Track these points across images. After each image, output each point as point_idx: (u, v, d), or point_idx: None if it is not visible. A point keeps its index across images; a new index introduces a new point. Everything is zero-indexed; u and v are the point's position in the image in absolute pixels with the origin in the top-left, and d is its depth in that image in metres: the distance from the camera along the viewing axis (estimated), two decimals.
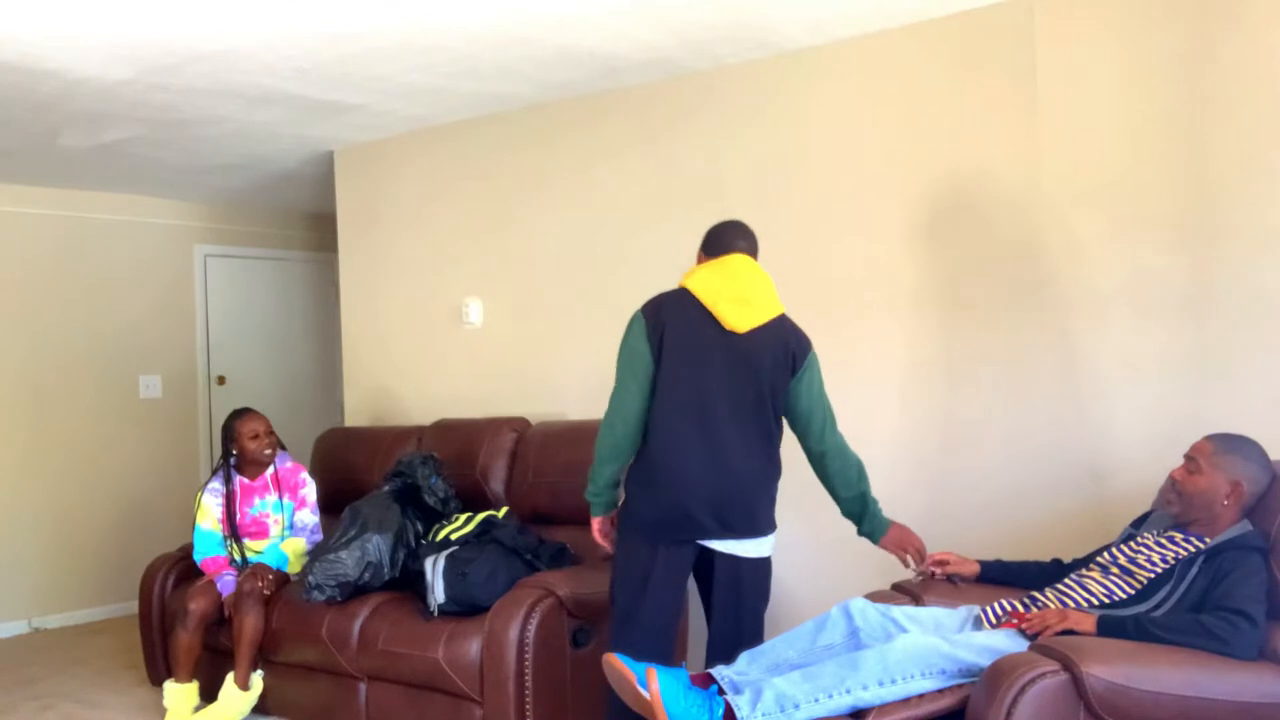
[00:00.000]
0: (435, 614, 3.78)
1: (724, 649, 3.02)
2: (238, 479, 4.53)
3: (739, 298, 3.02)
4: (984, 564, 3.18)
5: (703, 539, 3.03)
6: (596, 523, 3.22)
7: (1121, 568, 2.84)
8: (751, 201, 4.15)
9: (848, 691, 2.53)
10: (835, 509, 3.95)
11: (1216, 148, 3.21)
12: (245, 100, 4.49)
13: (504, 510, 4.23)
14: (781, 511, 4.09)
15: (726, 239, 3.15)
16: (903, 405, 3.81)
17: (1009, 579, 3.12)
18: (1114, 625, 2.60)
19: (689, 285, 3.06)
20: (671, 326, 3.00)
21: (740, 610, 3.09)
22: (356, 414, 5.55)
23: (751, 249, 3.17)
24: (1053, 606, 2.80)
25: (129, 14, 3.45)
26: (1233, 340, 3.19)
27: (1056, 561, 3.12)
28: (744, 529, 3.04)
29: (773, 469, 3.12)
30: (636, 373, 3.03)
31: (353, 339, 5.61)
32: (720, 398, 2.99)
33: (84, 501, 6.30)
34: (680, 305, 3.04)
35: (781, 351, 3.05)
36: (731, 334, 3.00)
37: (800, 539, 4.06)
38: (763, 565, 3.12)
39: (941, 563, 3.17)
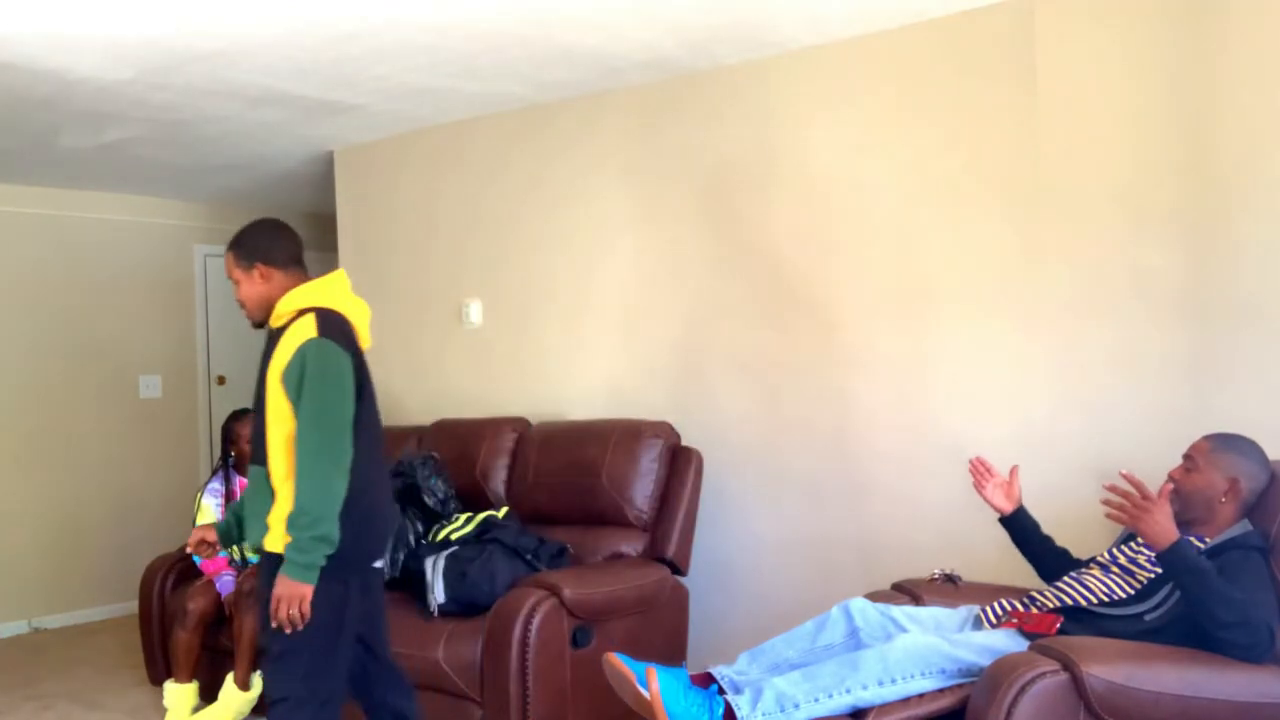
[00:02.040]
0: (435, 614, 3.78)
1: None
2: (237, 480, 4.53)
3: (367, 318, 3.00)
4: (1023, 509, 3.12)
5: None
6: (311, 591, 2.68)
7: (1121, 567, 2.84)
8: (751, 201, 4.15)
9: (848, 691, 2.53)
10: (834, 508, 3.98)
11: (1216, 147, 3.21)
12: (245, 100, 4.48)
13: (504, 510, 4.23)
14: (782, 511, 4.12)
15: (297, 247, 2.98)
16: (900, 406, 3.81)
17: (1027, 536, 3.11)
18: (1187, 549, 2.53)
19: (343, 309, 2.89)
20: (358, 358, 2.86)
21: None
22: None
23: None
24: (1051, 605, 2.80)
25: (129, 14, 3.45)
26: (1233, 340, 3.19)
27: (1066, 552, 3.12)
28: None
29: None
30: (351, 413, 2.79)
31: None
32: (378, 421, 2.96)
33: (84, 501, 6.30)
34: (352, 333, 2.88)
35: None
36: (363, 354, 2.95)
37: (800, 539, 4.06)
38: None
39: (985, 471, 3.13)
